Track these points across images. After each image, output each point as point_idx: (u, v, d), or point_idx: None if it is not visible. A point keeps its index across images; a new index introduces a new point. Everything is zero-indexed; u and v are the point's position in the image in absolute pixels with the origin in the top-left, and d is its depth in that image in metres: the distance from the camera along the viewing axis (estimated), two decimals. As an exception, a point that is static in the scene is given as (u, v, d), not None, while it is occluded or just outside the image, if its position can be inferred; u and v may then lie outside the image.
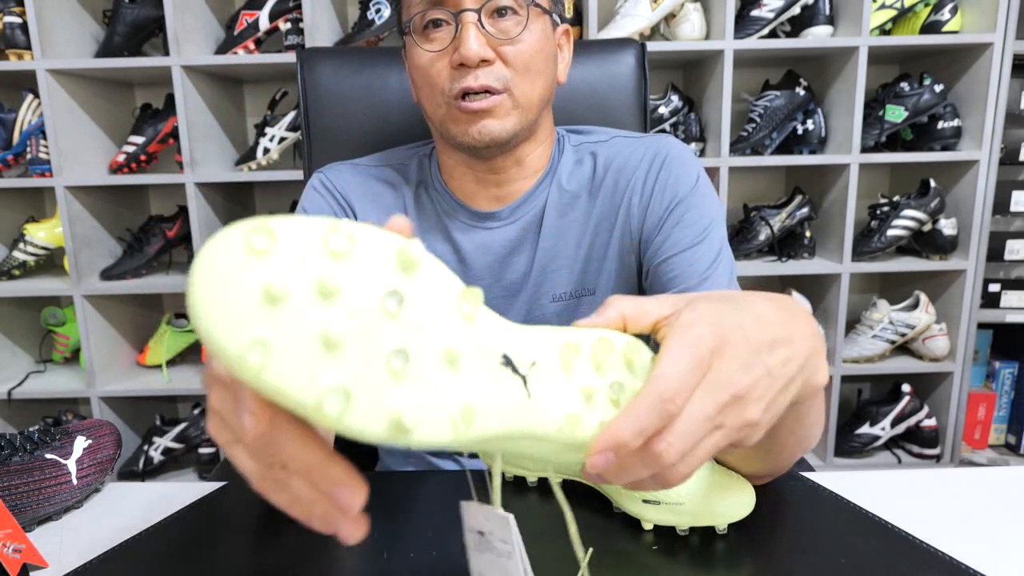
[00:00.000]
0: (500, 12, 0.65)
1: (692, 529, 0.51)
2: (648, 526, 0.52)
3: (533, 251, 0.75)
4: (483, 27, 0.64)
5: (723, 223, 0.74)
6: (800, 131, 1.72)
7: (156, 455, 1.76)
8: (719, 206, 0.74)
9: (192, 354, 1.87)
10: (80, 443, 0.63)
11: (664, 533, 0.51)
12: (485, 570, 0.39)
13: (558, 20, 0.72)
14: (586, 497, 0.57)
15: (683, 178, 0.72)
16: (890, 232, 1.71)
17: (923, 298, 1.75)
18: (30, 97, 1.65)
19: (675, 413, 0.32)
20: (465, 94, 0.65)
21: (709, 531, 0.51)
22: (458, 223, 0.75)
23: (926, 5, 1.66)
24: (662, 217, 0.71)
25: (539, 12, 0.68)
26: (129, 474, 1.75)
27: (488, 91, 0.65)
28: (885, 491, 0.60)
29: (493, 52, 0.65)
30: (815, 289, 1.81)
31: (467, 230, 0.75)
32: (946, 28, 1.64)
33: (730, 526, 0.51)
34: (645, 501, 0.51)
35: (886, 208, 1.73)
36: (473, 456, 0.80)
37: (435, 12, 0.65)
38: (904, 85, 1.68)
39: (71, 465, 0.61)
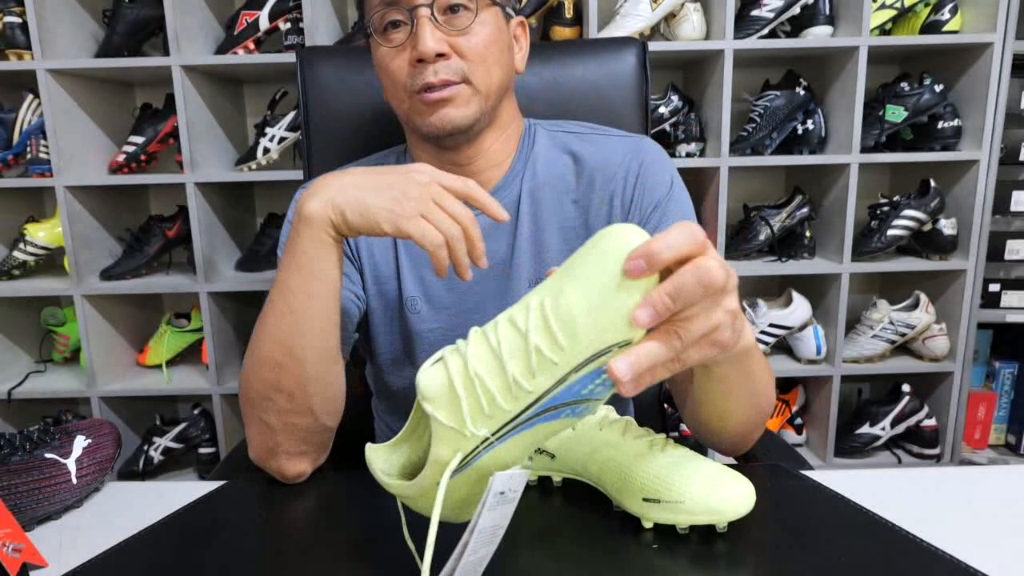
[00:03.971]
0: (452, 8, 0.69)
1: (692, 528, 0.51)
2: (648, 525, 0.52)
3: (511, 238, 0.77)
4: (437, 22, 0.68)
5: (694, 218, 0.81)
6: (800, 131, 1.72)
7: (156, 455, 1.76)
8: (690, 201, 0.80)
9: (192, 354, 1.87)
10: (80, 442, 0.63)
11: (664, 532, 0.51)
12: (492, 521, 0.41)
13: (511, 12, 0.76)
14: (586, 497, 0.57)
15: (662, 180, 0.78)
16: (890, 232, 1.71)
17: (923, 298, 1.75)
18: (30, 97, 1.65)
19: (701, 243, 0.39)
20: (427, 88, 0.69)
21: (709, 530, 0.51)
22: None
23: (926, 5, 1.66)
24: (643, 220, 0.76)
25: (488, 3, 0.71)
26: (129, 474, 1.75)
27: (446, 84, 0.69)
28: (885, 491, 0.60)
29: (448, 46, 0.69)
30: (815, 289, 1.81)
31: None
32: (946, 28, 1.64)
33: (730, 525, 0.51)
34: (645, 499, 0.51)
35: (886, 208, 1.73)
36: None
37: (391, 12, 0.69)
38: (904, 85, 1.68)
39: (71, 464, 0.61)
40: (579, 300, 0.38)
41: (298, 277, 0.60)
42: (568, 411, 0.40)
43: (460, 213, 0.57)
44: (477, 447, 0.40)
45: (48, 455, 0.61)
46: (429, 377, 0.41)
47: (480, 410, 0.40)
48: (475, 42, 0.70)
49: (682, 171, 0.87)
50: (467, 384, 0.40)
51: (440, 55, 0.68)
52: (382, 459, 0.47)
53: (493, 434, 0.40)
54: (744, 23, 1.62)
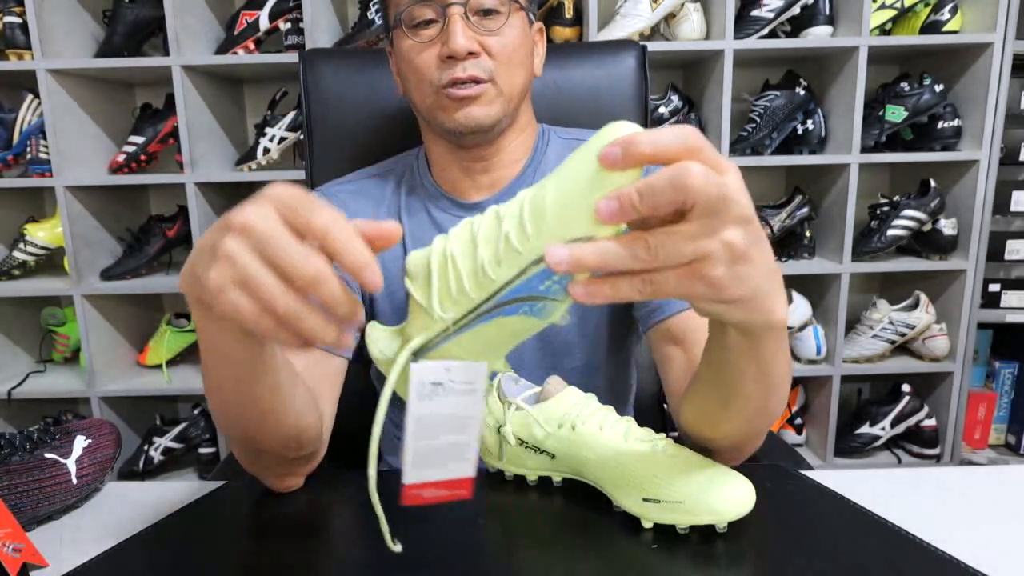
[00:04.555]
0: (485, 12, 0.70)
1: (692, 528, 0.51)
2: (648, 525, 0.52)
3: None
4: (469, 20, 0.69)
5: None
6: (800, 131, 1.72)
7: (156, 455, 1.76)
8: None
9: (192, 354, 1.87)
10: (80, 442, 0.63)
11: (664, 532, 0.51)
12: (434, 410, 0.41)
13: (532, 18, 0.77)
14: (587, 497, 0.57)
15: None
16: (890, 232, 1.71)
17: (923, 298, 1.75)
18: (30, 97, 1.65)
19: (694, 146, 0.34)
20: (453, 83, 0.69)
21: (709, 530, 0.51)
22: (446, 214, 0.79)
23: (926, 5, 1.66)
24: None
25: (517, 8, 0.72)
26: (129, 474, 1.75)
27: (475, 81, 0.69)
28: (885, 491, 0.60)
29: (478, 45, 0.69)
30: (815, 289, 1.81)
31: (454, 221, 0.77)
32: (946, 28, 1.64)
33: (730, 525, 0.51)
34: (645, 500, 0.51)
35: (886, 208, 1.73)
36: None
37: (422, 8, 0.69)
38: (904, 85, 1.68)
39: (71, 464, 0.61)
40: (553, 190, 0.36)
41: (213, 361, 0.49)
42: (527, 308, 0.39)
43: (298, 268, 0.36)
44: (439, 333, 0.40)
45: (48, 455, 0.61)
46: (415, 255, 0.41)
47: (448, 292, 0.39)
48: (504, 43, 0.71)
49: (682, 171, 0.87)
50: (442, 264, 0.39)
51: (471, 53, 0.68)
52: (382, 340, 0.46)
53: (455, 323, 0.39)
54: (744, 23, 1.62)
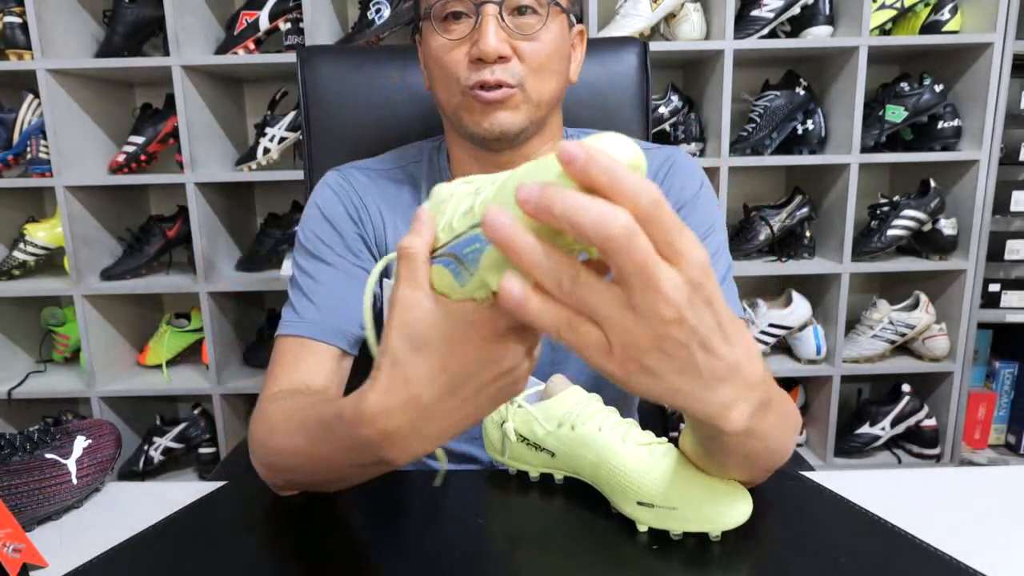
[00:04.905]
0: (520, 9, 0.66)
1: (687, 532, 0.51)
2: (643, 529, 0.52)
3: None
4: (503, 21, 0.65)
5: (723, 228, 0.78)
6: (800, 131, 1.72)
7: (156, 455, 1.76)
8: (720, 214, 0.78)
9: (192, 354, 1.86)
10: (80, 443, 0.63)
11: (660, 535, 0.51)
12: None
13: (574, 20, 0.73)
14: (587, 497, 0.57)
15: (688, 184, 0.76)
16: (890, 232, 1.71)
17: (923, 298, 1.75)
18: (30, 97, 1.65)
19: (653, 213, 0.30)
20: (481, 86, 0.66)
21: (705, 534, 0.51)
22: None
23: (926, 5, 1.66)
24: None
25: (558, 11, 0.68)
26: (129, 474, 1.75)
27: (502, 85, 0.66)
28: (885, 491, 0.60)
29: (511, 49, 0.66)
30: (815, 289, 1.81)
31: None
32: (946, 28, 1.64)
33: (730, 526, 0.51)
34: (640, 503, 0.51)
35: (886, 208, 1.73)
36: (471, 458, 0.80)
37: (456, 3, 0.66)
38: (904, 85, 1.68)
39: (71, 465, 0.61)
40: (523, 171, 0.35)
41: (350, 470, 0.50)
42: (453, 265, 0.39)
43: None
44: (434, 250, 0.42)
45: (48, 455, 0.61)
46: (442, 185, 0.43)
47: (439, 226, 0.41)
48: (538, 48, 0.67)
49: (682, 171, 0.87)
50: (449, 199, 0.41)
51: (501, 57, 0.65)
52: None
53: (435, 249, 0.41)
54: (744, 23, 1.62)
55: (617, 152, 0.31)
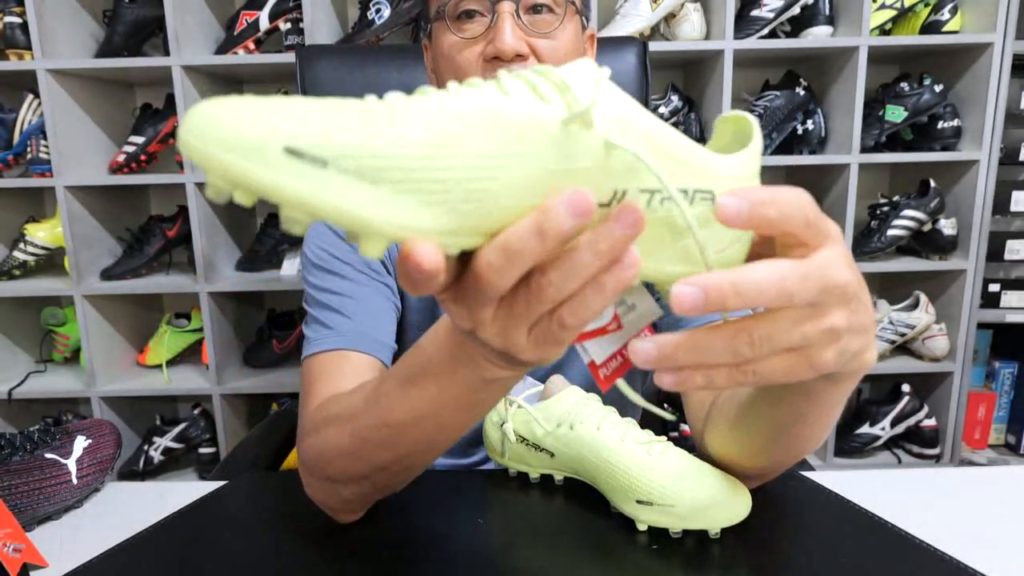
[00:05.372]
0: (536, 8, 0.65)
1: (687, 530, 0.51)
2: (642, 527, 0.52)
3: None
4: (519, 19, 0.64)
5: None
6: (800, 131, 1.72)
7: (156, 455, 1.76)
8: None
9: (192, 354, 1.87)
10: (80, 443, 0.63)
11: (659, 533, 0.51)
12: None
13: (586, 23, 0.72)
14: (585, 496, 0.57)
15: None
16: (890, 232, 1.71)
17: (923, 298, 1.75)
18: (30, 97, 1.65)
19: (814, 222, 0.31)
20: None
21: (705, 532, 0.51)
22: None
23: (926, 5, 1.66)
24: None
25: (573, 11, 0.67)
26: (129, 474, 1.75)
27: None
28: (885, 491, 0.60)
29: (528, 47, 0.64)
30: (815, 289, 1.80)
31: None
32: (946, 28, 1.64)
33: (730, 526, 0.51)
34: (639, 502, 0.51)
35: (886, 208, 1.73)
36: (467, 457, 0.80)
37: (471, 1, 0.64)
38: (904, 85, 1.68)
39: (71, 465, 0.61)
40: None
41: (454, 414, 0.43)
42: None
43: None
44: None
45: (48, 455, 0.61)
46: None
47: None
48: (556, 47, 0.65)
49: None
50: None
51: (518, 55, 0.63)
52: None
53: None
54: (744, 23, 1.62)
55: (585, 82, 0.29)
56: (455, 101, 0.27)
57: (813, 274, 0.30)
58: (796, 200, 0.31)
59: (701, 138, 1.71)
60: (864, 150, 1.66)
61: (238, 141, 0.22)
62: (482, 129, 0.27)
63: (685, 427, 1.68)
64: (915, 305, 1.76)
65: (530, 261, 0.27)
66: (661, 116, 1.68)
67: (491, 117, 0.27)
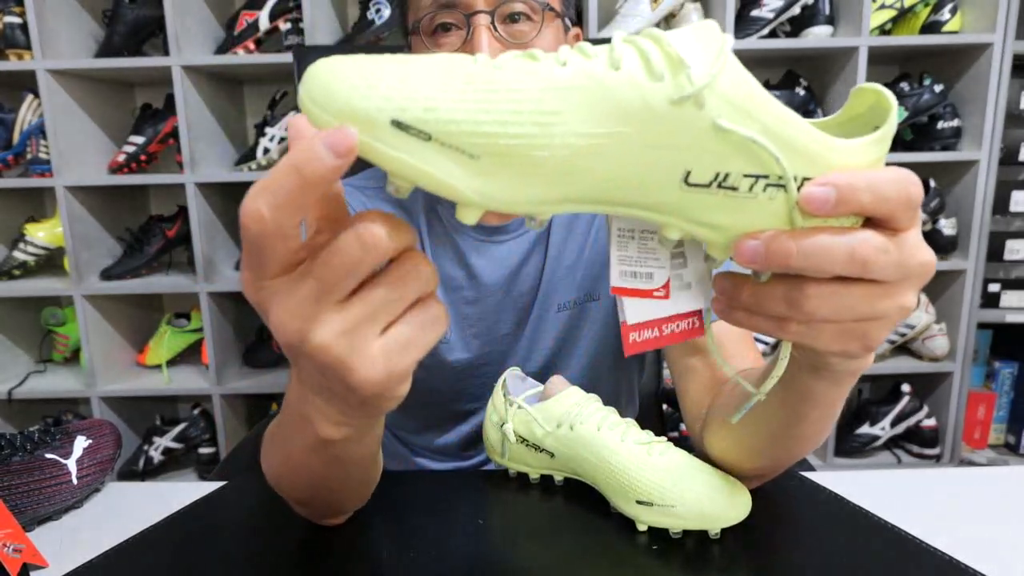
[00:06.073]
0: (513, 17, 0.63)
1: (687, 531, 0.51)
2: (642, 528, 0.52)
3: (542, 262, 0.74)
4: (496, 31, 0.62)
5: None
6: (800, 131, 1.71)
7: (156, 455, 1.76)
8: None
9: (192, 354, 1.87)
10: (80, 443, 0.63)
11: (659, 533, 0.51)
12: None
13: (569, 24, 0.70)
14: (586, 496, 0.57)
15: None
16: (890, 232, 1.71)
17: (923, 298, 1.75)
18: (30, 97, 1.65)
19: (916, 204, 0.31)
20: None
21: (705, 533, 0.51)
22: (469, 239, 0.74)
23: (926, 5, 1.66)
24: None
25: (552, 16, 0.65)
26: (129, 474, 1.75)
27: None
28: (885, 491, 0.60)
29: None
30: (815, 289, 1.81)
31: (478, 246, 0.74)
32: (946, 28, 1.64)
33: (730, 526, 0.51)
34: (639, 502, 0.51)
35: (886, 208, 1.73)
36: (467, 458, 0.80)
37: (445, 15, 0.63)
38: (904, 85, 1.68)
39: (71, 465, 0.61)
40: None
41: (324, 469, 0.45)
42: None
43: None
44: None
45: (48, 455, 0.61)
46: None
47: None
48: None
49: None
50: None
51: None
52: None
53: None
54: (744, 23, 1.62)
55: (703, 54, 0.28)
56: (563, 74, 0.27)
57: (897, 251, 0.30)
58: (897, 183, 0.30)
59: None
60: (864, 150, 1.66)
61: (351, 113, 0.24)
62: (586, 109, 0.27)
63: (684, 427, 1.68)
64: (915, 305, 1.76)
65: (296, 204, 0.26)
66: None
67: (597, 98, 0.27)
